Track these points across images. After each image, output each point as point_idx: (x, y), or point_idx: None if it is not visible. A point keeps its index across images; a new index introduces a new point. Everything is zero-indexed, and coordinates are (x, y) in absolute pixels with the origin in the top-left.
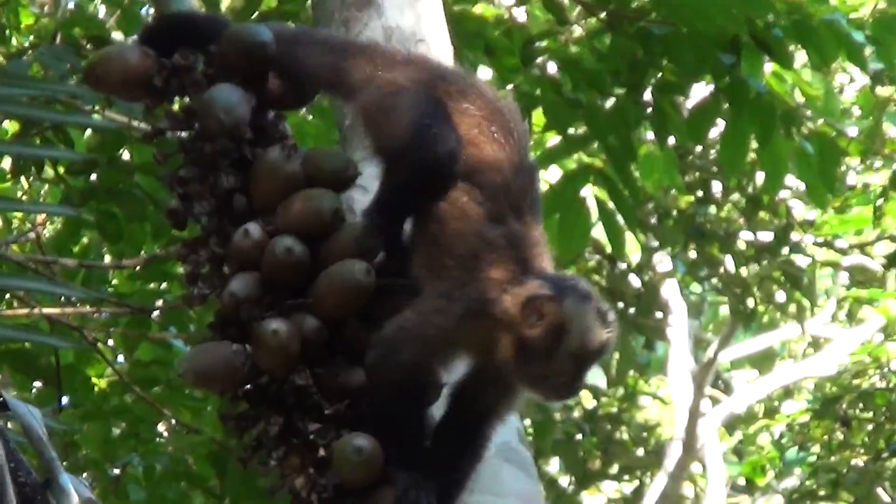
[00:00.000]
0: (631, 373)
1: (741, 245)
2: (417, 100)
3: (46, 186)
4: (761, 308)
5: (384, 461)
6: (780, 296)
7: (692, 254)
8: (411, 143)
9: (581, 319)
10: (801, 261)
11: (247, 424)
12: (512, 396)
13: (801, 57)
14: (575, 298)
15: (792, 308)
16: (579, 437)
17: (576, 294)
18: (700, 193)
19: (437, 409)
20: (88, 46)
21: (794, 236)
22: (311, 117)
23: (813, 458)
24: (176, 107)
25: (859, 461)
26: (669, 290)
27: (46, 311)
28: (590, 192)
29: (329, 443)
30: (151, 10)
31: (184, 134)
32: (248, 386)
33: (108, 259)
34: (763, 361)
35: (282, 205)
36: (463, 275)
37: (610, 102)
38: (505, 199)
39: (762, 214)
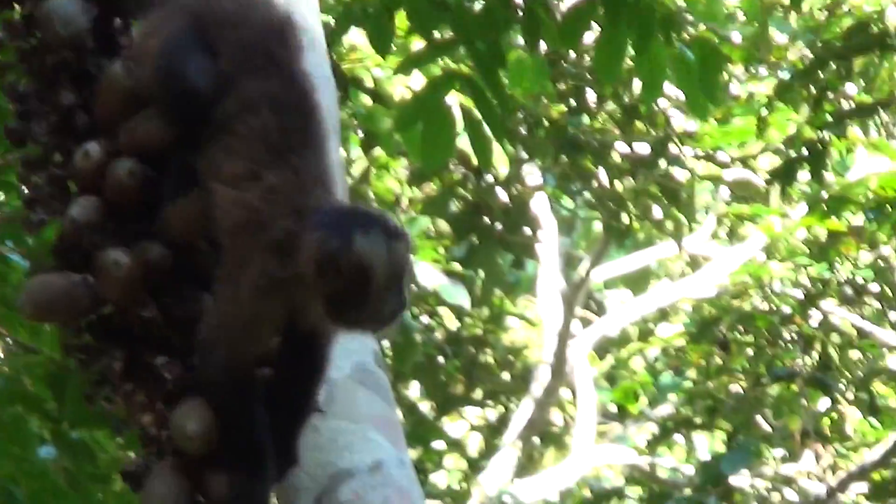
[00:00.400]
0: (497, 292)
1: (616, 157)
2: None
3: None
4: (636, 224)
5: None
6: (657, 211)
7: (563, 166)
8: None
9: (378, 252)
10: (679, 174)
11: (90, 358)
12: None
13: None
14: (361, 233)
15: (669, 225)
16: (441, 360)
17: (360, 228)
18: (573, 102)
19: None
20: None
21: (673, 148)
22: None
23: (689, 384)
24: (17, 15)
25: (738, 387)
26: (539, 205)
27: None
28: (455, 101)
29: (177, 377)
30: None
31: (24, 45)
32: (91, 318)
33: None
34: (638, 281)
35: (125, 123)
36: (238, 253)
37: (478, 5)
38: (263, 147)
39: (638, 125)
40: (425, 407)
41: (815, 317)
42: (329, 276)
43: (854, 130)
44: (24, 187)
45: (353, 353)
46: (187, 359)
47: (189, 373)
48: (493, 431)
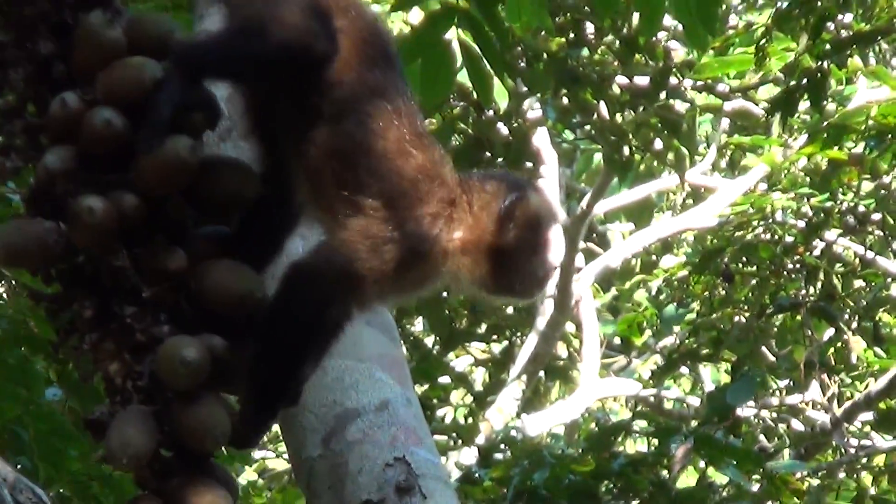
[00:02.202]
0: None
1: (616, 90)
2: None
3: None
4: (637, 156)
5: (248, 394)
6: (658, 143)
7: (564, 100)
8: (290, 23)
9: (542, 197)
10: (679, 106)
11: (59, 307)
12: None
13: None
14: (529, 190)
15: (670, 156)
16: (445, 294)
17: (526, 187)
18: (572, 36)
19: None
20: None
21: (672, 80)
22: None
23: (693, 316)
24: None
25: (742, 318)
26: (540, 139)
27: None
28: (454, 35)
29: (146, 327)
30: None
31: None
32: (62, 266)
33: None
34: (640, 213)
35: (102, 73)
36: (394, 212)
37: None
38: (407, 132)
39: (638, 57)
40: (430, 342)
41: (818, 246)
42: (506, 226)
43: (854, 59)
44: None
45: None
46: (156, 310)
47: (158, 324)
48: (498, 366)
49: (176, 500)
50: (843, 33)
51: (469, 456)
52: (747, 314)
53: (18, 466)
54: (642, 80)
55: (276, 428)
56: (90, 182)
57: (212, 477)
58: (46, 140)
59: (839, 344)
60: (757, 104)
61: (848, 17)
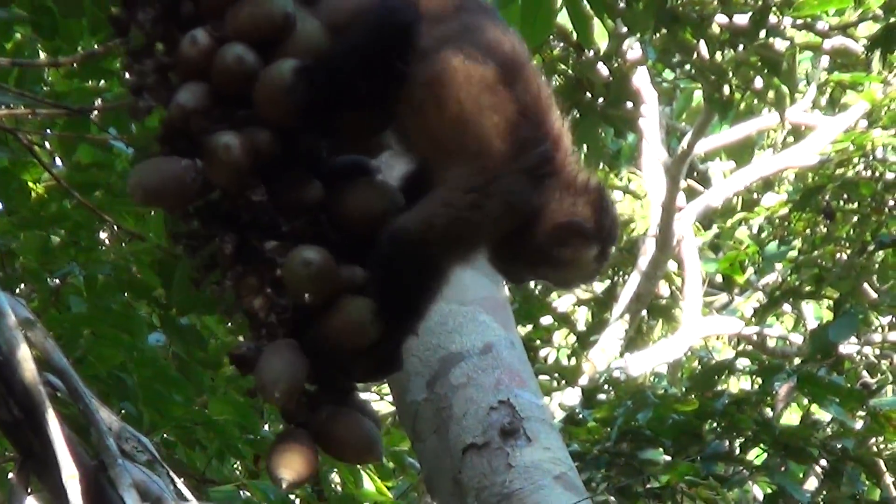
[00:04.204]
0: (601, 166)
1: (715, 29)
2: None
3: None
4: (738, 95)
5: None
6: (758, 82)
7: (663, 39)
8: (369, 9)
9: (586, 266)
10: (779, 44)
11: (199, 244)
12: None
13: None
14: (598, 248)
15: (770, 95)
16: None
17: (603, 243)
18: None
19: None
20: None
21: (772, 19)
22: None
23: (794, 253)
24: None
25: (844, 255)
26: (640, 79)
27: None
28: None
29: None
30: None
31: None
32: (200, 203)
33: (42, 56)
34: (741, 151)
35: (231, 9)
36: (493, 164)
37: None
38: (504, 61)
39: None
40: (532, 283)
41: None
42: (581, 202)
43: None
44: (128, 75)
45: None
46: (296, 243)
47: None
48: (600, 305)
49: (325, 433)
50: None
51: (573, 396)
52: (849, 251)
53: (122, 412)
54: (742, 19)
55: None
56: (224, 118)
57: (356, 409)
58: (177, 79)
59: None
60: (857, 41)
61: None
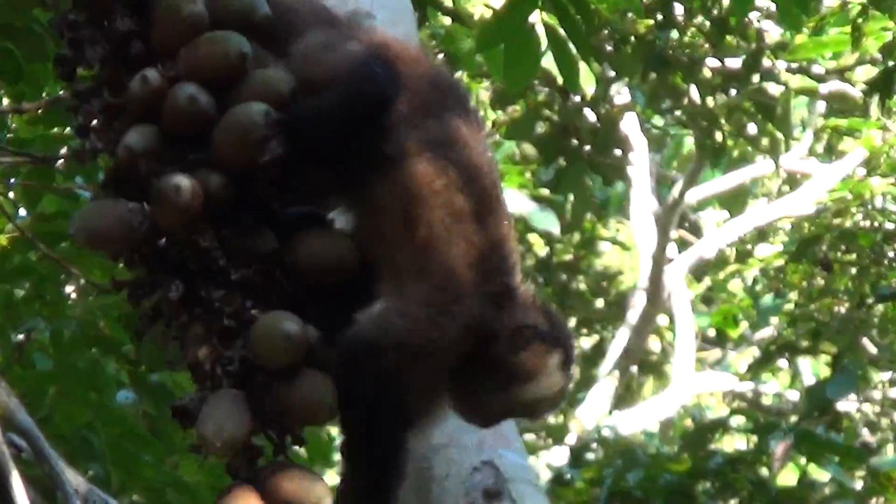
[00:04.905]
0: (588, 216)
1: (707, 73)
2: (363, 50)
3: None
4: (730, 142)
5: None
6: (752, 128)
7: (652, 84)
8: (349, 72)
9: (551, 375)
10: (773, 89)
11: (143, 291)
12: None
13: None
14: (560, 355)
15: (764, 141)
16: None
17: (564, 350)
18: (660, 17)
19: None
20: None
21: (766, 62)
22: None
23: (790, 306)
24: None
25: (842, 308)
26: (628, 125)
27: None
28: (538, 18)
29: (235, 311)
30: None
31: None
32: (146, 249)
33: (5, 102)
34: (734, 200)
35: (184, 49)
36: (455, 287)
37: None
38: (480, 190)
39: (729, 39)
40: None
41: None
42: (518, 347)
43: None
44: (75, 117)
45: None
46: (245, 293)
47: (248, 307)
48: (588, 362)
49: (272, 489)
50: None
51: (560, 456)
52: (847, 304)
53: (90, 474)
54: (734, 63)
55: None
56: (174, 161)
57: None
58: (125, 120)
59: None
60: (854, 86)
61: None
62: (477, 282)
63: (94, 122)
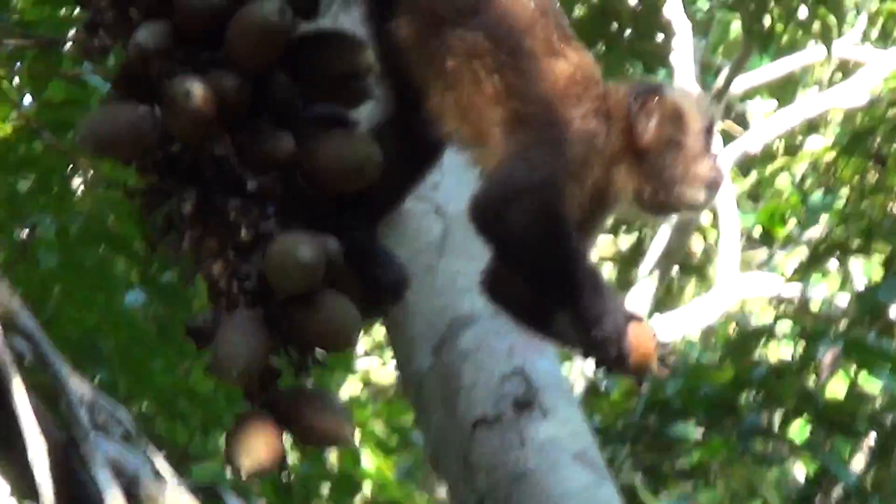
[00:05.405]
0: None
1: None
2: None
3: None
4: (780, 27)
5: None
6: (802, 11)
7: None
8: None
9: (684, 95)
10: None
11: (156, 200)
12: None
13: None
14: (665, 88)
15: (816, 26)
16: None
17: (661, 85)
18: None
19: None
20: None
21: None
22: None
23: (841, 203)
24: None
25: None
26: (672, 7)
27: None
28: None
29: (252, 222)
30: None
31: None
32: (158, 155)
33: None
34: (783, 89)
35: None
36: (554, 116)
37: None
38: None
39: None
40: None
41: None
42: (643, 122)
43: None
44: (84, 10)
45: (470, 185)
46: (263, 202)
47: (265, 218)
48: (626, 263)
49: (291, 417)
50: None
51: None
52: None
53: (97, 380)
54: None
55: (383, 332)
56: (187, 61)
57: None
58: (137, 14)
59: None
60: None
61: None
62: (574, 107)
63: (104, 16)
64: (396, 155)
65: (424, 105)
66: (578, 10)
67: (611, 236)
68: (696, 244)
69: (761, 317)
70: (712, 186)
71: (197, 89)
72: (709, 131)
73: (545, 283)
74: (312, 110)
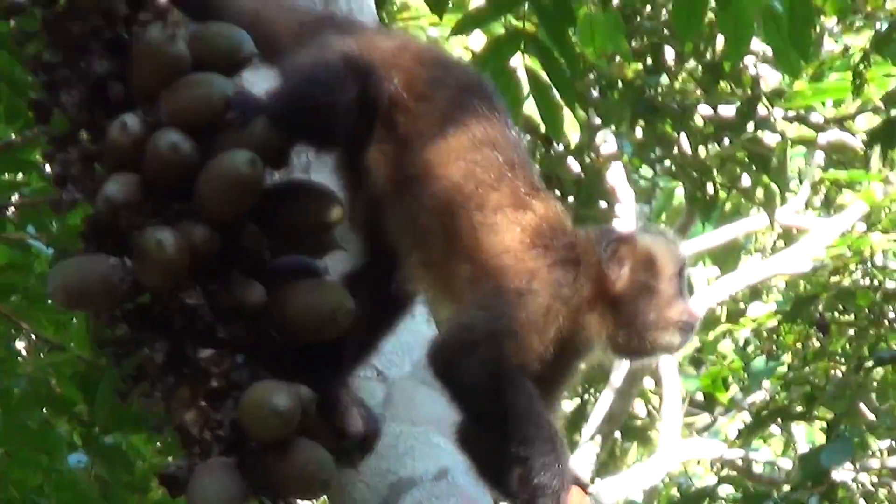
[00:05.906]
0: None
1: (698, 121)
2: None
3: None
4: (723, 194)
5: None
6: (745, 179)
7: (641, 132)
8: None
9: (656, 239)
10: (769, 138)
11: (126, 351)
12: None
13: None
14: (632, 232)
15: (759, 194)
16: None
17: (625, 231)
18: (649, 61)
19: None
20: None
21: (761, 110)
22: None
23: (784, 369)
24: None
25: (838, 372)
26: (615, 175)
27: None
28: (520, 62)
29: (224, 371)
30: None
31: (47, 10)
32: (129, 306)
33: None
34: (726, 256)
35: (165, 93)
36: (519, 267)
37: None
38: (522, 174)
39: (723, 85)
40: None
41: None
42: (615, 269)
43: None
44: (50, 165)
45: (412, 350)
46: (234, 351)
47: (237, 367)
48: (570, 426)
49: None
50: None
51: None
52: (844, 367)
53: None
54: (728, 110)
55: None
56: (157, 212)
57: None
58: (104, 169)
59: None
60: (854, 136)
61: None
62: (544, 256)
63: (72, 170)
64: (369, 303)
65: (396, 257)
66: None
67: None
68: (639, 408)
69: (704, 480)
70: (686, 329)
71: (168, 240)
72: (680, 274)
73: (494, 431)
74: (282, 260)
